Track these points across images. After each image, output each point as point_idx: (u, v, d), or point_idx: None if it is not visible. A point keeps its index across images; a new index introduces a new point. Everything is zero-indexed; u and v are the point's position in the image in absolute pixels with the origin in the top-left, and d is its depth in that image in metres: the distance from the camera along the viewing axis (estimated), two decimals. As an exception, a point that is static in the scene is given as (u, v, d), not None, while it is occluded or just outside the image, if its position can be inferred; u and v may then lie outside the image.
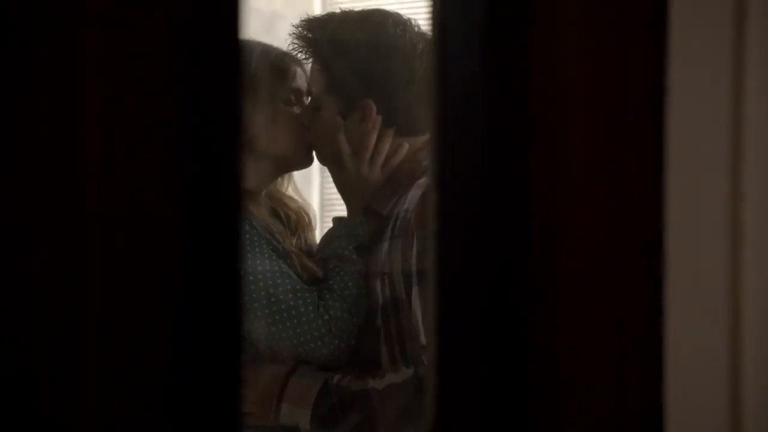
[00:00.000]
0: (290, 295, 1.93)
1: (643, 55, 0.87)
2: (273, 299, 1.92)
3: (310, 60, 2.02)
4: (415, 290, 1.88)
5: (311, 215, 2.24)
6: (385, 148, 2.01)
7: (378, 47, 2.04)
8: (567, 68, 0.88)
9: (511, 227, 0.88)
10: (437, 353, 0.90)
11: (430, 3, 0.93)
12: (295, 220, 2.21)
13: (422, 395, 1.84)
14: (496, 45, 0.86)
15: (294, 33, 2.03)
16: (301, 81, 2.08)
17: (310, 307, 1.92)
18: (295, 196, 2.22)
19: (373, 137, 2.00)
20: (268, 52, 2.08)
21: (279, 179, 2.16)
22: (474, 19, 0.86)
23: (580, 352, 0.92)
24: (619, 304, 0.91)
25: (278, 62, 2.06)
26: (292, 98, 2.07)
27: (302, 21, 2.05)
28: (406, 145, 2.03)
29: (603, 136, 0.88)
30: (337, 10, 2.11)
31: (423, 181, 1.94)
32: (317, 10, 4.55)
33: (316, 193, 4.31)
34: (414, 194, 1.93)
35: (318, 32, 2.03)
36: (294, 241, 2.19)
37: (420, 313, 1.87)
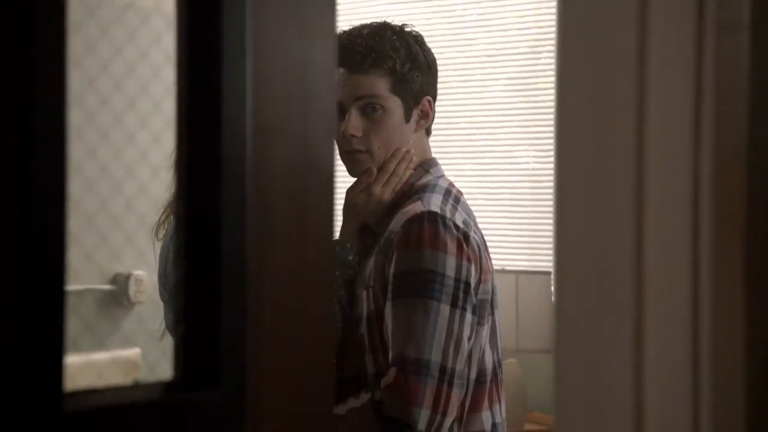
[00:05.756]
0: None
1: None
2: None
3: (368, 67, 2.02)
4: (388, 305, 1.93)
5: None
6: (405, 171, 2.06)
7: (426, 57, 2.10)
8: None
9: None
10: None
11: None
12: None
13: (380, 417, 1.88)
14: None
15: (358, 42, 2.06)
16: None
17: None
18: None
19: (398, 158, 2.05)
20: None
21: None
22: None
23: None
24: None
25: None
26: None
27: (355, 30, 2.11)
28: (412, 167, 2.08)
29: None
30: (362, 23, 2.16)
31: (411, 205, 1.99)
32: None
33: None
34: (400, 217, 1.98)
35: (378, 40, 2.06)
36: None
37: (390, 327, 1.92)
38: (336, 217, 1.18)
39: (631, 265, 0.87)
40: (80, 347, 3.81)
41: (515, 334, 3.66)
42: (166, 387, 1.00)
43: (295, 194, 1.09)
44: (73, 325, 3.77)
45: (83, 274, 3.94)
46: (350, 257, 2.04)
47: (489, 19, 4.32)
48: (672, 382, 0.88)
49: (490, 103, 4.28)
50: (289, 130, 1.08)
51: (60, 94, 0.89)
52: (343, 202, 2.12)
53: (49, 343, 0.88)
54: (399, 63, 2.05)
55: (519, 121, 4.14)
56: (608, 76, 0.86)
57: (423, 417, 1.87)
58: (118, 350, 3.84)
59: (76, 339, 3.83)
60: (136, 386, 1.13)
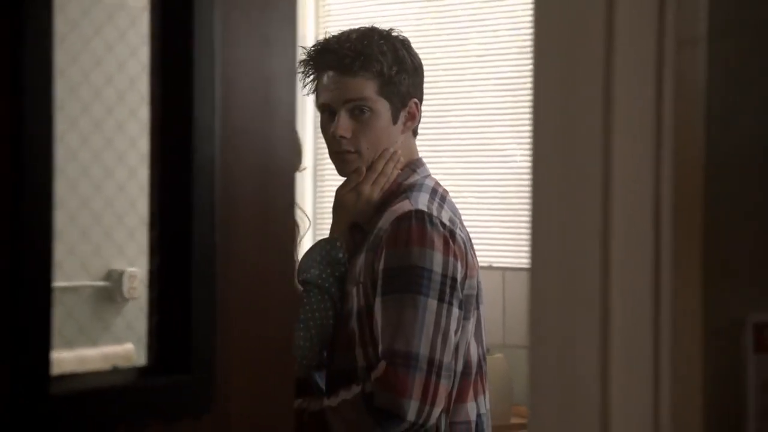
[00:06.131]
0: None
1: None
2: None
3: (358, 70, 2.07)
4: (377, 301, 1.99)
5: (299, 225, 2.34)
6: (393, 171, 2.12)
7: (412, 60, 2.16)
8: None
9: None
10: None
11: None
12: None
13: (371, 409, 1.95)
14: None
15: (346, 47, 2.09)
16: None
17: None
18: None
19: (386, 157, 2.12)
20: None
21: None
22: None
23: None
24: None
25: None
26: None
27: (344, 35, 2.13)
28: (399, 167, 2.15)
29: None
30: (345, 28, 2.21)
31: (399, 204, 2.06)
32: (310, 29, 4.66)
33: (309, 203, 4.42)
34: (389, 215, 2.04)
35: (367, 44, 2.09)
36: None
37: (380, 321, 1.98)
38: (294, 216, 1.26)
39: (599, 263, 0.95)
40: (74, 343, 3.86)
41: (502, 330, 3.73)
42: (141, 372, 1.09)
43: (259, 194, 1.17)
44: (66, 321, 3.81)
45: (77, 271, 3.99)
46: (340, 255, 2.10)
47: (480, 19, 4.36)
48: (635, 372, 0.95)
49: (479, 103, 4.32)
50: (253, 134, 1.16)
51: (47, 96, 0.97)
52: (333, 201, 2.19)
53: (36, 332, 0.97)
54: (386, 66, 2.11)
55: (508, 120, 4.19)
56: (577, 88, 0.93)
57: (412, 408, 1.93)
58: (111, 346, 3.89)
59: (70, 335, 3.88)
60: (115, 371, 1.22)
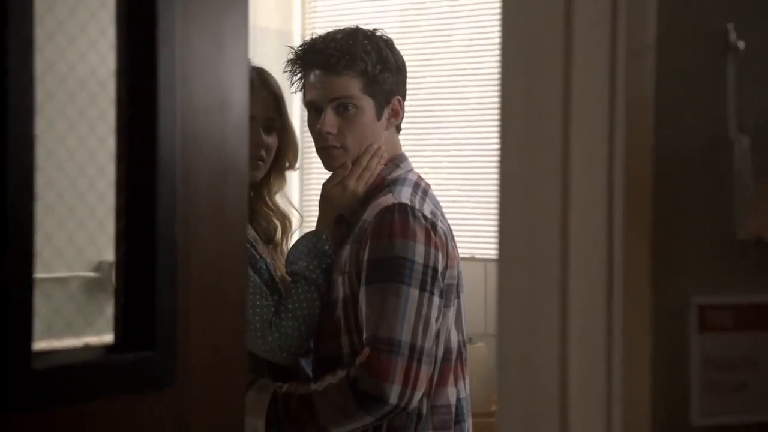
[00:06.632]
0: (249, 310, 2.09)
1: None
2: None
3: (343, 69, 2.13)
4: (362, 290, 2.07)
5: (292, 221, 2.42)
6: (377, 165, 2.19)
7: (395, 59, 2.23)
8: None
9: None
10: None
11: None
12: (276, 227, 2.39)
13: (356, 392, 2.03)
14: None
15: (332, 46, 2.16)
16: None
17: (265, 324, 2.11)
18: (281, 203, 2.38)
19: (371, 153, 2.20)
20: None
21: (267, 185, 2.32)
22: None
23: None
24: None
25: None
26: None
27: (330, 35, 2.21)
28: (383, 162, 2.22)
29: None
30: (333, 28, 2.28)
31: (383, 197, 2.14)
32: (296, 24, 4.71)
33: (296, 197, 4.49)
34: (373, 209, 2.11)
35: (351, 43, 2.16)
36: (278, 247, 2.37)
37: (364, 309, 2.06)
38: (245, 209, 1.37)
39: (558, 255, 1.05)
40: (64, 332, 3.93)
41: (483, 319, 3.79)
42: (110, 349, 1.22)
43: (215, 188, 1.30)
44: (57, 311, 3.88)
45: (67, 262, 4.06)
46: (327, 247, 2.15)
47: (464, 14, 4.40)
48: (591, 352, 1.05)
49: (463, 97, 4.36)
50: (209, 133, 1.28)
51: (29, 99, 1.08)
52: (319, 195, 2.27)
53: (18, 311, 1.09)
54: (371, 65, 2.18)
55: (491, 114, 4.22)
56: (539, 94, 1.02)
57: (395, 392, 1.99)
58: (102, 335, 3.96)
59: (60, 324, 3.95)
60: (87, 348, 1.35)
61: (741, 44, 1.09)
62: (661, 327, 1.08)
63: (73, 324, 4.06)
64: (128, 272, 1.21)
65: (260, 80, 2.25)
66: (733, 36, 1.09)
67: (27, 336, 1.08)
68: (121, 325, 1.21)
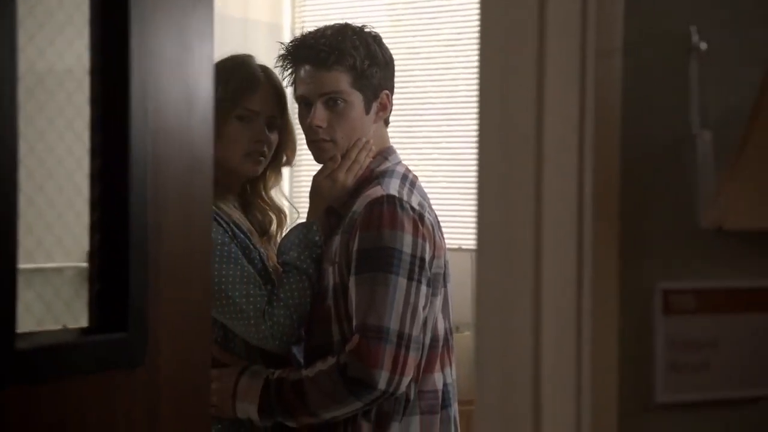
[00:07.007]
0: (243, 300, 2.15)
1: None
2: (230, 301, 2.15)
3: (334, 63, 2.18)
4: (351, 279, 2.12)
5: (285, 214, 2.47)
6: (366, 158, 2.24)
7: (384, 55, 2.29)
8: None
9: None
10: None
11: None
12: (271, 220, 2.44)
13: (345, 378, 2.08)
14: None
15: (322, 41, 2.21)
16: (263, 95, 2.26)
17: (258, 313, 2.16)
18: (275, 197, 2.43)
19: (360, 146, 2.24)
20: (236, 66, 2.28)
21: (263, 179, 2.37)
22: None
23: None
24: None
25: (248, 76, 2.27)
26: (245, 113, 2.24)
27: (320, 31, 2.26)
28: (372, 155, 2.28)
29: None
30: (321, 24, 2.31)
31: (371, 189, 2.19)
32: (286, 17, 4.75)
33: (287, 189, 4.54)
34: (362, 200, 2.17)
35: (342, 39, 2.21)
36: (272, 239, 2.42)
37: (354, 298, 2.11)
38: (212, 204, 1.45)
39: (532, 245, 1.12)
40: (58, 322, 3.98)
41: (470, 309, 3.85)
42: (86, 331, 1.31)
43: (183, 180, 1.39)
44: (51, 301, 3.93)
45: (61, 252, 4.11)
46: (317, 238, 2.20)
47: (452, 8, 4.43)
48: (562, 335, 1.12)
49: (451, 89, 4.41)
50: (177, 129, 1.37)
51: (13, 99, 1.15)
52: (310, 187, 2.32)
53: (2, 295, 1.14)
54: (359, 60, 2.23)
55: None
56: (514, 93, 1.09)
57: (383, 378, 2.05)
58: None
59: (55, 314, 4.00)
60: (65, 330, 1.44)
61: (703, 45, 1.15)
62: (628, 310, 1.14)
63: (67, 312, 4.11)
64: (102, 260, 1.30)
65: (265, 77, 2.30)
66: (695, 38, 1.16)
67: (11, 318, 1.15)
68: (95, 308, 1.30)
